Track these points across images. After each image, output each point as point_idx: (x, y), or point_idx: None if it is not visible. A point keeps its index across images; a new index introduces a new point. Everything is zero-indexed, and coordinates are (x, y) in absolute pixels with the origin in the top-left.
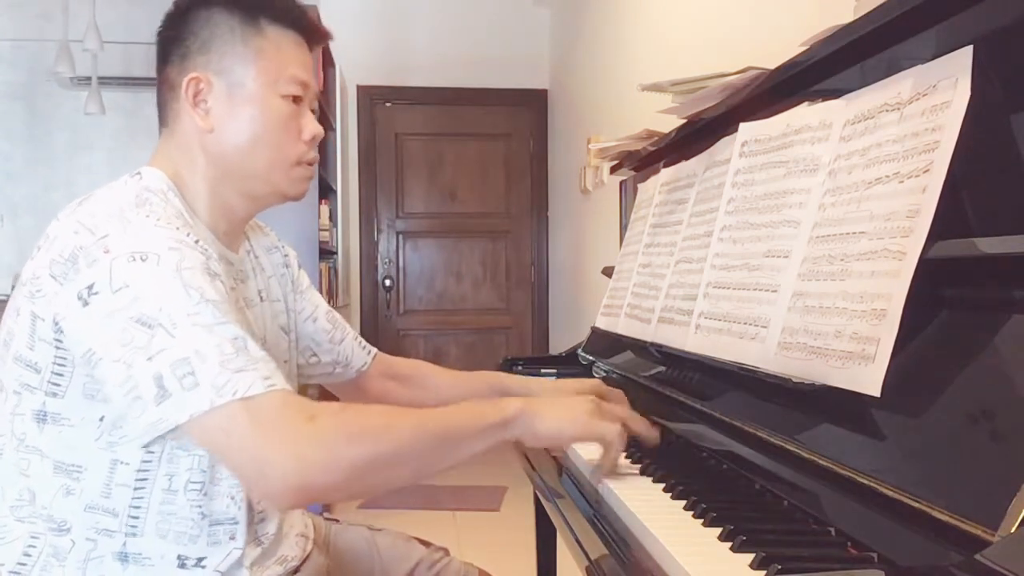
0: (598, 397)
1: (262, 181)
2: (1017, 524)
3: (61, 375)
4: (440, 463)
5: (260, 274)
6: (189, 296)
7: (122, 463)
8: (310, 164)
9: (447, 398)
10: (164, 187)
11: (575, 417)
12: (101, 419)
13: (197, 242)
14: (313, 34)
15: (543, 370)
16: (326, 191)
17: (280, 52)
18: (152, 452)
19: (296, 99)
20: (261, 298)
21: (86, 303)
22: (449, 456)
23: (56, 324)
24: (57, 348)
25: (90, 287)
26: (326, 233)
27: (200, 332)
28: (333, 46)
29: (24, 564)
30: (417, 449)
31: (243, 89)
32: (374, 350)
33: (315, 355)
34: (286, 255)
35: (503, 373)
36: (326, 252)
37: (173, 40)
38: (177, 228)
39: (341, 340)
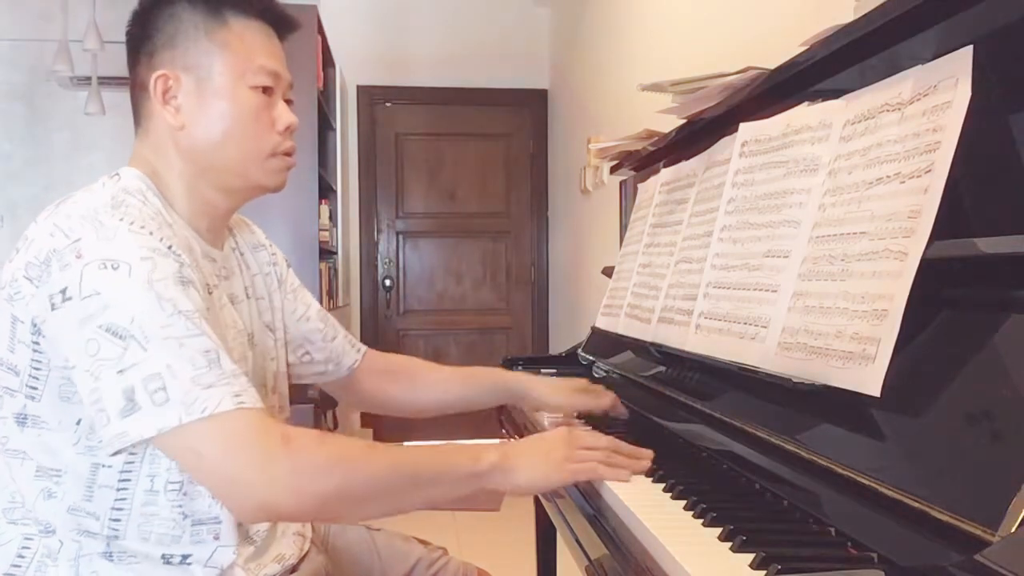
0: (588, 393)
1: (237, 175)
2: (1017, 524)
3: (37, 378)
4: (409, 504)
5: (245, 271)
6: (162, 308)
7: (104, 466)
8: (287, 154)
9: (440, 395)
10: (143, 187)
11: (551, 467)
12: (78, 423)
13: (171, 248)
14: (280, 23)
15: (543, 370)
16: (326, 191)
17: (245, 43)
18: (134, 453)
19: (267, 90)
20: (247, 295)
21: (55, 307)
22: (418, 498)
23: (35, 327)
24: (35, 351)
25: (62, 291)
26: (326, 233)
27: (172, 346)
28: (333, 46)
29: (19, 566)
30: (387, 488)
31: (211, 83)
32: (364, 347)
33: (308, 353)
34: (273, 254)
35: (500, 369)
36: (326, 252)
37: (140, 39)
38: (151, 233)
39: (333, 338)
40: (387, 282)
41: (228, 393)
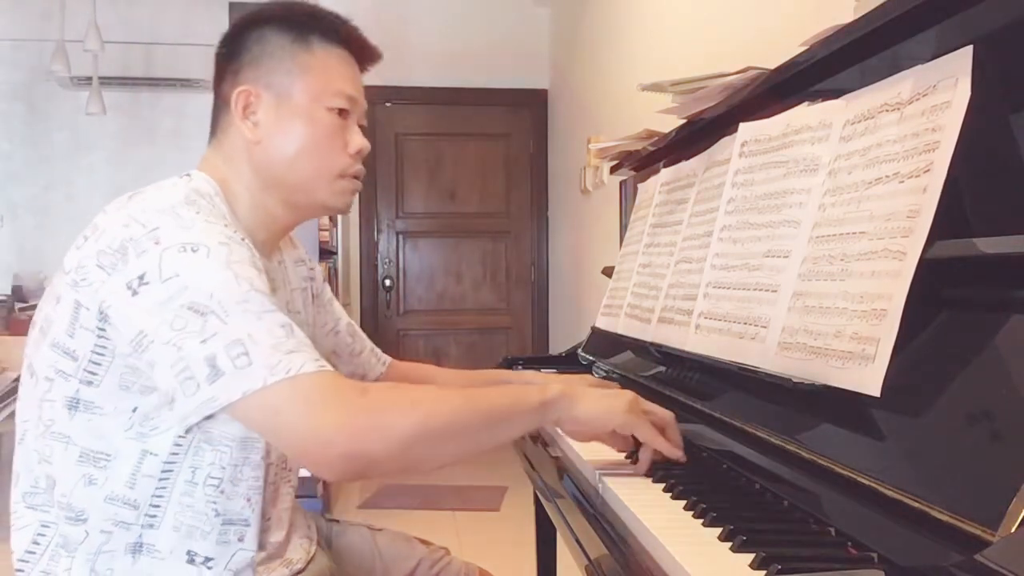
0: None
1: (305, 192)
2: (1017, 524)
3: (99, 364)
4: (485, 442)
5: (286, 286)
6: (239, 285)
7: (151, 454)
8: (355, 177)
9: None
10: (211, 191)
11: (615, 408)
12: (134, 410)
13: (243, 239)
14: (362, 52)
15: (543, 370)
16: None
17: (327, 67)
18: (180, 445)
19: (343, 112)
20: (288, 309)
21: (135, 292)
22: (493, 435)
23: (102, 313)
24: (99, 336)
25: (140, 277)
26: (326, 233)
27: (251, 317)
28: None
29: (33, 552)
30: (464, 425)
31: (290, 102)
32: (387, 358)
33: (334, 367)
34: (311, 268)
35: (506, 371)
36: (326, 252)
37: (228, 57)
38: (225, 225)
39: (360, 352)
40: (387, 282)
41: (310, 358)
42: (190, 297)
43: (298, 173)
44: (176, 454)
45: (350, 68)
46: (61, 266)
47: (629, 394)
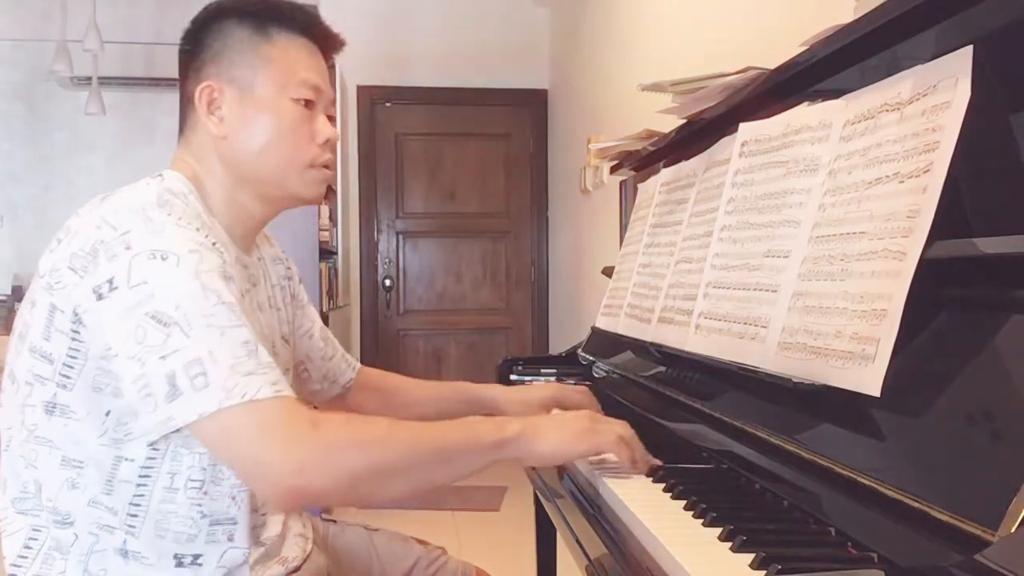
0: (561, 399)
1: (276, 185)
2: (1017, 524)
3: (72, 367)
4: (436, 478)
5: (267, 282)
6: (206, 298)
7: (126, 460)
8: (325, 167)
9: (419, 410)
10: (185, 190)
11: (573, 435)
12: (107, 414)
13: (215, 244)
14: (325, 40)
15: (543, 370)
16: (326, 191)
17: (289, 57)
18: (157, 450)
19: (308, 103)
20: (269, 304)
21: (101, 297)
22: (445, 472)
23: (76, 316)
24: (73, 340)
25: (109, 281)
26: (326, 233)
27: (214, 334)
28: None
29: (25, 557)
30: (414, 462)
31: (254, 95)
32: (357, 364)
33: (307, 370)
34: (289, 267)
35: (472, 384)
36: (326, 252)
37: (190, 54)
38: (197, 229)
39: (331, 357)
40: (387, 282)
41: (267, 381)
42: (155, 306)
43: (267, 166)
44: (153, 459)
45: (313, 57)
46: (36, 270)
47: (583, 417)
